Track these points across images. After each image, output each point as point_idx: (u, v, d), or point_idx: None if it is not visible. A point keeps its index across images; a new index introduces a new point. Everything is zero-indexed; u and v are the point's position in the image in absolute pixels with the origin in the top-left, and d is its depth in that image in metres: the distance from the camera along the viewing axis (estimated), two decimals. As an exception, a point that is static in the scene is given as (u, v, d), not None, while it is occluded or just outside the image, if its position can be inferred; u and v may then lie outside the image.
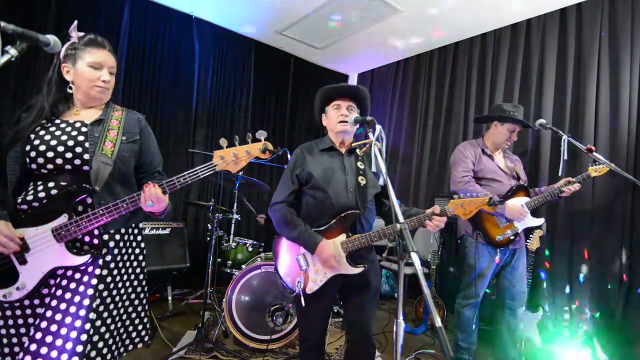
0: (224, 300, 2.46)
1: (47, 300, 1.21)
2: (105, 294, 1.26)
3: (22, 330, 1.24)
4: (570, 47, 3.00)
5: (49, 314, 1.17)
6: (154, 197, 1.20)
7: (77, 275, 1.22)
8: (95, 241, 1.26)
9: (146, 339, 1.45)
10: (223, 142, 1.25)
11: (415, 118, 4.31)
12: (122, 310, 1.35)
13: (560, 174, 2.25)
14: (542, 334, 2.61)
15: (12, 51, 0.95)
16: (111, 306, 1.29)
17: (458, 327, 2.41)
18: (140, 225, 1.47)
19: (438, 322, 0.85)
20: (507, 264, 2.38)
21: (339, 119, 1.68)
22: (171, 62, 3.76)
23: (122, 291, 1.34)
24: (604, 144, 2.73)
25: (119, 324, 1.34)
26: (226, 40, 4.13)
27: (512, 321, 2.37)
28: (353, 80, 5.25)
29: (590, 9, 2.92)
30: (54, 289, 1.21)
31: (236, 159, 1.25)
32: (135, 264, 1.41)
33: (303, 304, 1.58)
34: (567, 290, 2.82)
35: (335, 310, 3.17)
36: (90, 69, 1.30)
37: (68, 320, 1.16)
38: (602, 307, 2.64)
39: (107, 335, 1.26)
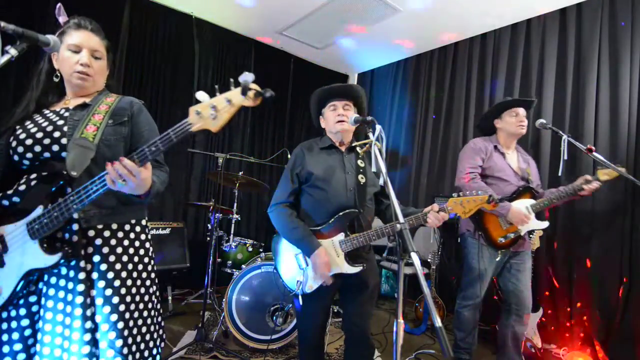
0: (224, 300, 2.46)
1: (38, 310, 1.10)
2: (115, 300, 1.13)
3: (5, 349, 1.09)
4: (570, 47, 3.00)
5: (48, 327, 1.08)
6: (121, 170, 0.98)
7: (62, 282, 1.09)
8: (74, 238, 1.10)
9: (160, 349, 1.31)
10: (201, 95, 0.98)
11: (415, 118, 4.31)
12: (147, 321, 1.22)
13: (560, 174, 2.23)
14: (542, 334, 2.62)
15: (12, 51, 0.94)
16: (126, 315, 1.15)
17: (457, 328, 2.40)
18: (143, 222, 1.29)
19: (438, 322, 0.85)
20: (511, 266, 2.29)
21: (336, 119, 1.67)
22: (171, 62, 3.76)
23: (137, 298, 1.19)
24: (604, 144, 2.74)
25: (145, 337, 1.20)
26: (226, 40, 4.12)
27: (518, 327, 2.25)
28: (353, 80, 5.23)
29: (590, 9, 2.92)
30: (43, 299, 1.10)
31: (216, 113, 0.96)
32: (140, 267, 1.22)
33: (302, 303, 1.58)
34: (567, 290, 2.82)
35: (335, 310, 3.16)
36: (69, 52, 1.17)
37: (67, 332, 1.08)
38: (602, 307, 2.64)
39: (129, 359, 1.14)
